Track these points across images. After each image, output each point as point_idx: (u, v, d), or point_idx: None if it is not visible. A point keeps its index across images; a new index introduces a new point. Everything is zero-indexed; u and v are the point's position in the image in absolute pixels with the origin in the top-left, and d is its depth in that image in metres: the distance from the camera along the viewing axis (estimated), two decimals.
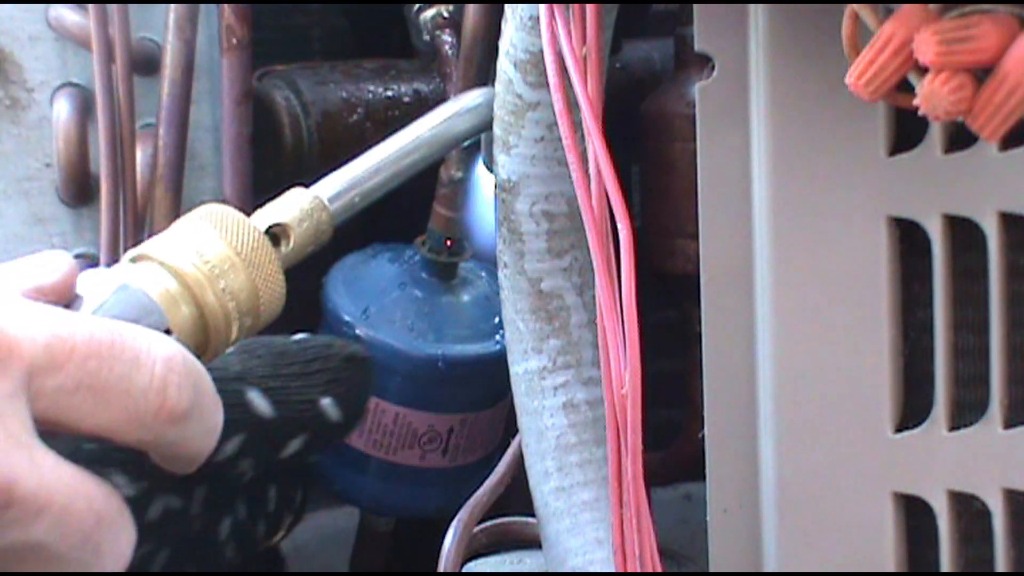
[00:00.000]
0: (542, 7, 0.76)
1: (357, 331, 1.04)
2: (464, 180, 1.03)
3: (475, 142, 0.86)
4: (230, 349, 0.69)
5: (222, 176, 1.05)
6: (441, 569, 0.91)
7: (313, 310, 1.06)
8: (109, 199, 1.00)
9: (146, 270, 0.67)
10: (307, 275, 0.87)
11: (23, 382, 0.55)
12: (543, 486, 0.85)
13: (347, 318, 1.05)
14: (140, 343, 0.58)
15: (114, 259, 1.01)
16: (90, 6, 0.99)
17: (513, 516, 0.95)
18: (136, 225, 1.01)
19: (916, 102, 0.63)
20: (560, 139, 0.77)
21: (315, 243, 0.75)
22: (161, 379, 0.58)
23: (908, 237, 0.72)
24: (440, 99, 1.11)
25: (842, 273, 0.73)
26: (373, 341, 1.04)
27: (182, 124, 1.02)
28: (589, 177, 0.75)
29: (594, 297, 0.77)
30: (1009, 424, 0.70)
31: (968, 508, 0.72)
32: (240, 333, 0.69)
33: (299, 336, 0.70)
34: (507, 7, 0.80)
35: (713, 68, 0.74)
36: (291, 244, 0.73)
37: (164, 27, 1.01)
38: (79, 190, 1.04)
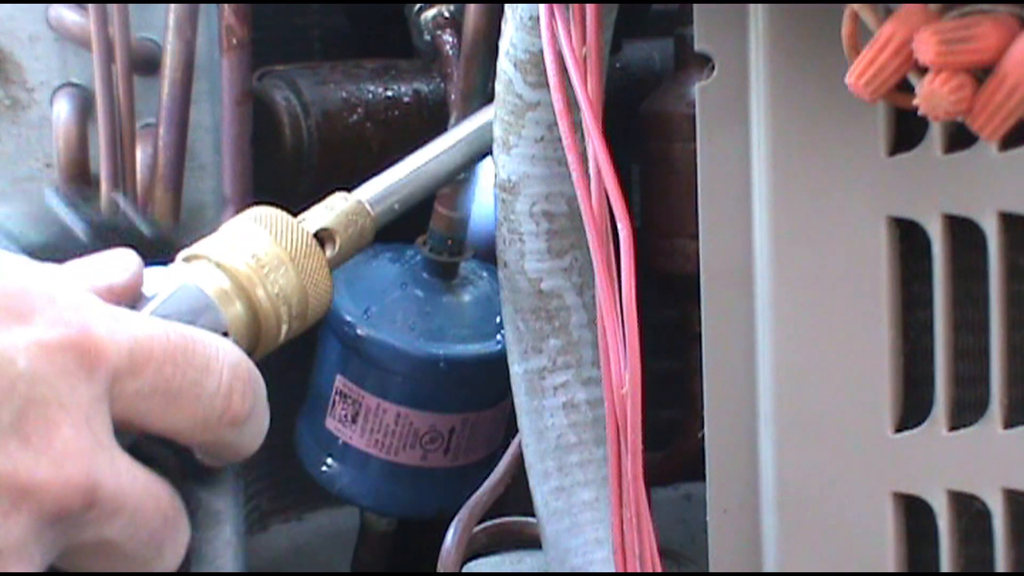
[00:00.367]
0: (542, 7, 0.76)
1: (358, 331, 1.04)
2: (465, 180, 1.03)
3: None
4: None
5: (222, 176, 1.05)
6: (441, 569, 0.92)
7: None
8: (109, 199, 1.00)
9: (201, 269, 0.69)
10: None
11: (108, 386, 0.58)
12: (543, 486, 0.85)
13: (348, 318, 1.05)
14: (210, 349, 0.62)
15: None
16: (90, 6, 0.99)
17: (513, 516, 0.95)
18: None
19: (916, 102, 0.63)
20: (560, 139, 0.77)
21: (359, 247, 0.77)
22: (228, 385, 0.62)
23: (908, 237, 0.72)
24: (440, 99, 1.11)
25: (842, 273, 0.73)
26: (374, 341, 1.04)
27: (182, 124, 1.02)
28: (589, 177, 0.75)
29: (594, 297, 0.77)
30: (1009, 424, 0.70)
31: (968, 508, 0.72)
32: (289, 331, 0.71)
33: None
34: (507, 7, 0.80)
35: (713, 68, 0.74)
36: (337, 248, 0.75)
37: (164, 27, 1.01)
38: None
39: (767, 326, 0.74)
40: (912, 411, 0.73)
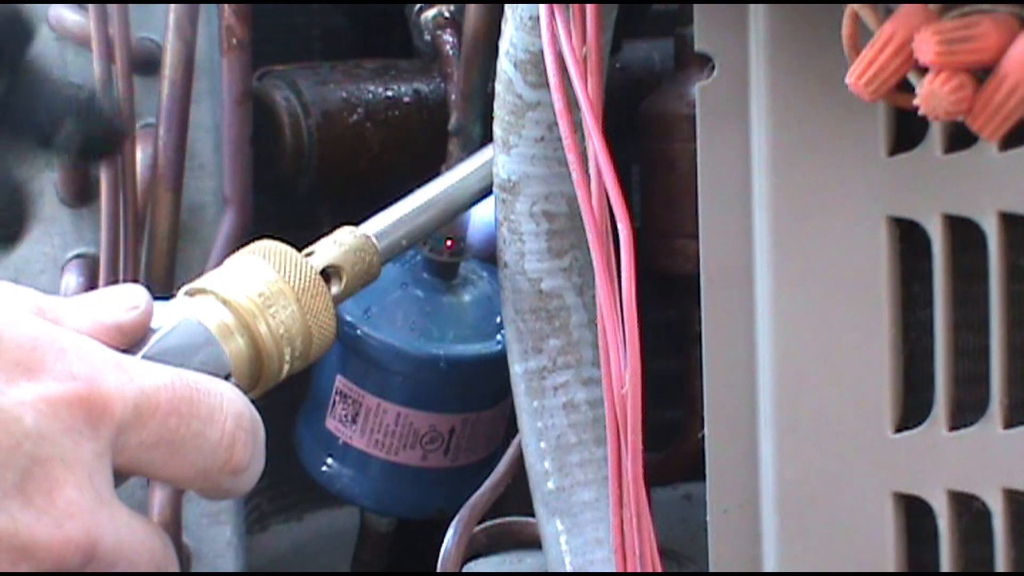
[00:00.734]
0: (542, 7, 0.76)
1: (359, 331, 1.04)
2: None
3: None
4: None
5: (222, 176, 1.05)
6: (441, 569, 0.92)
7: None
8: (109, 199, 1.00)
9: (204, 303, 0.69)
10: None
11: (112, 440, 0.60)
12: (543, 486, 0.85)
13: (349, 318, 1.05)
14: (214, 399, 0.63)
15: (114, 259, 1.01)
16: (90, 6, 0.99)
17: (513, 516, 0.95)
18: (136, 225, 1.01)
19: (916, 102, 0.63)
20: (560, 139, 0.77)
21: (365, 283, 0.77)
22: (231, 436, 0.63)
23: (908, 237, 0.72)
24: (440, 99, 1.11)
25: (842, 273, 0.73)
26: (375, 341, 1.04)
27: (182, 124, 1.02)
28: (589, 177, 0.75)
29: (594, 297, 0.77)
30: (1009, 424, 0.70)
31: (968, 508, 0.72)
32: (292, 364, 0.71)
33: None
34: (507, 7, 0.81)
35: (713, 68, 0.74)
36: (343, 285, 0.75)
37: (164, 27, 1.01)
38: (79, 190, 1.04)
39: (767, 326, 0.74)
40: (912, 411, 0.73)
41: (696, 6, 0.74)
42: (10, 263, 1.04)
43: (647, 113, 1.03)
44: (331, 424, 1.07)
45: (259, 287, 0.70)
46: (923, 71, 0.63)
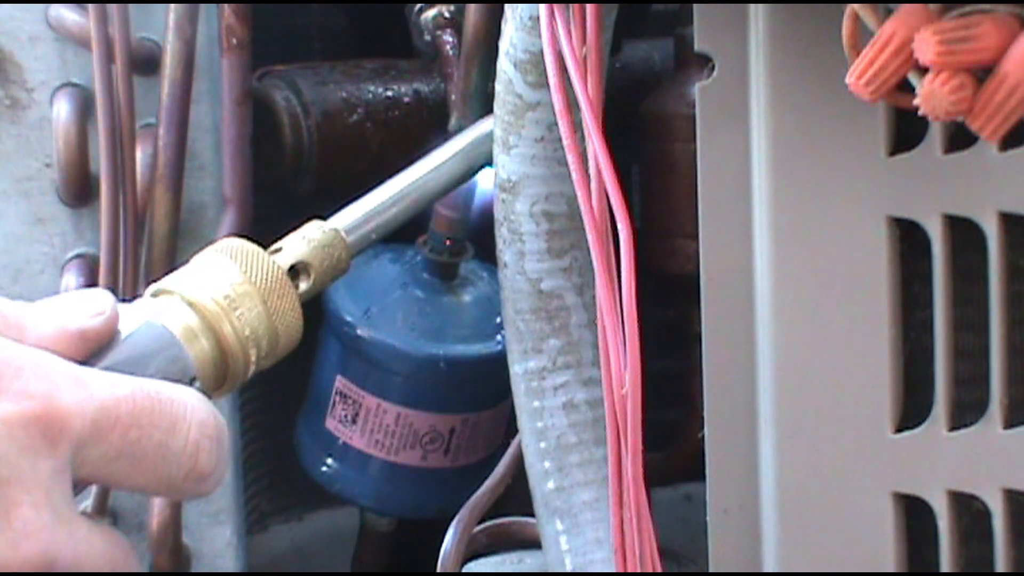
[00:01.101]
0: (542, 7, 0.76)
1: (359, 331, 1.04)
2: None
3: None
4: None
5: (222, 176, 1.05)
6: (441, 569, 0.92)
7: (314, 310, 1.06)
8: (109, 199, 1.00)
9: (167, 305, 0.69)
10: None
11: (70, 456, 0.59)
12: (543, 486, 0.85)
13: (348, 318, 1.05)
14: (177, 407, 0.62)
15: (114, 259, 1.01)
16: (90, 6, 0.99)
17: (513, 516, 0.95)
18: (136, 225, 1.01)
19: (916, 102, 0.63)
20: (560, 139, 0.77)
21: (333, 277, 0.76)
22: (195, 444, 0.62)
23: (908, 237, 0.72)
24: (440, 99, 1.11)
25: (842, 273, 0.73)
26: (374, 341, 1.04)
27: (182, 124, 1.02)
28: (589, 177, 0.75)
29: (594, 297, 0.77)
30: (1009, 424, 0.70)
31: (968, 508, 0.72)
32: (258, 364, 0.70)
33: None
34: (507, 7, 0.80)
35: (713, 68, 0.74)
36: (311, 281, 0.74)
37: (164, 27, 1.01)
38: (79, 190, 1.04)
39: (767, 326, 0.74)
40: (912, 411, 0.73)
41: (696, 6, 0.74)
42: (10, 263, 1.04)
43: (647, 113, 1.03)
44: (331, 424, 1.07)
45: (224, 289, 0.69)
46: (923, 71, 0.63)
